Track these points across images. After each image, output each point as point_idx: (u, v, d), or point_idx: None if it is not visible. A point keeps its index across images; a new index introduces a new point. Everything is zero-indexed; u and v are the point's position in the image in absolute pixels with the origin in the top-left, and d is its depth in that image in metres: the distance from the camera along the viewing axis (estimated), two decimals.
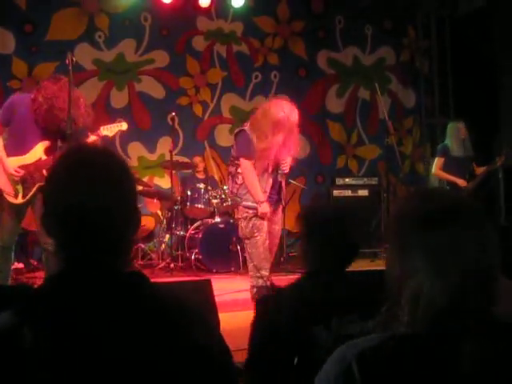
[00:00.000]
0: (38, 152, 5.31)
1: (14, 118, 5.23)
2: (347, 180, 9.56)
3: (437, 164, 7.96)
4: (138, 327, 1.36)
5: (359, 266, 8.30)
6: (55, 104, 5.11)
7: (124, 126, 5.77)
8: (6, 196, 5.27)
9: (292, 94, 8.75)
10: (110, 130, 5.57)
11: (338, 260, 2.62)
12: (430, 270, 1.36)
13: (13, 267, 5.73)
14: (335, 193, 9.36)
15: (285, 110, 5.60)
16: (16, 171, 5.23)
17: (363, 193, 9.36)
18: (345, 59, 10.48)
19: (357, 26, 10.49)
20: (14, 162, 5.26)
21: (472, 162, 7.90)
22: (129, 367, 1.33)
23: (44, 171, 5.22)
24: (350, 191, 9.35)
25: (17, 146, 5.29)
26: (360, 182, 9.58)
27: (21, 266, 7.48)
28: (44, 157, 5.31)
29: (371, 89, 10.17)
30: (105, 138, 5.46)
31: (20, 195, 5.28)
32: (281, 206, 6.08)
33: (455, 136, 7.85)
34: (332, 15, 10.35)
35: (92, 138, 5.42)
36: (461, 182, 7.71)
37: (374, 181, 9.57)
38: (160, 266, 7.97)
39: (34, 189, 5.27)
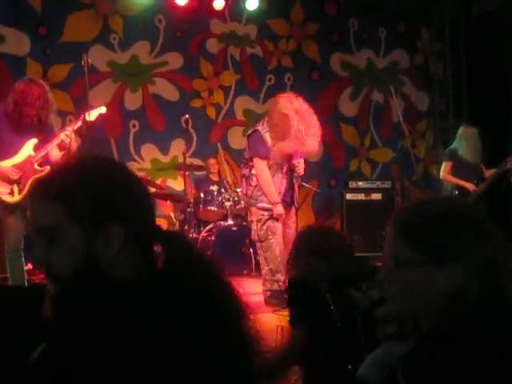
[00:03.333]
0: (27, 150, 5.53)
1: None
2: (360, 183, 9.53)
3: (445, 168, 7.87)
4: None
5: None
6: (21, 101, 5.36)
7: (103, 109, 5.93)
8: (3, 196, 5.39)
9: (305, 96, 8.74)
10: (92, 115, 5.73)
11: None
12: (463, 271, 1.36)
13: (26, 268, 5.77)
14: (348, 196, 9.33)
15: (292, 102, 5.64)
16: (12, 171, 5.39)
17: (376, 196, 9.33)
18: (358, 62, 10.45)
19: (370, 28, 10.47)
20: (7, 164, 5.48)
21: (480, 165, 7.80)
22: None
23: (35, 165, 5.43)
24: (363, 195, 9.32)
25: (7, 152, 5.51)
26: (373, 185, 9.55)
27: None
28: (33, 153, 5.53)
29: (385, 92, 10.16)
30: (88, 123, 5.57)
31: (16, 193, 5.42)
32: (294, 209, 6.06)
33: (470, 141, 7.76)
34: (346, 18, 10.33)
35: (69, 129, 5.53)
36: (470, 186, 7.61)
37: (387, 184, 9.54)
38: None
39: (29, 183, 5.43)
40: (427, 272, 1.42)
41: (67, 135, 5.46)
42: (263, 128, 5.79)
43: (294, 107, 5.67)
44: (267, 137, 5.71)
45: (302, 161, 5.94)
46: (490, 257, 1.37)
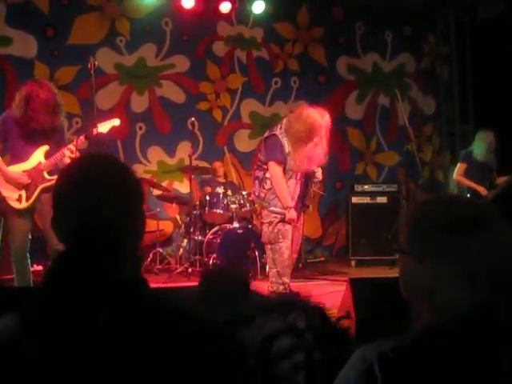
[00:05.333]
0: (37, 156, 5.51)
1: (8, 133, 5.45)
2: (366, 187, 9.52)
3: (459, 169, 7.91)
4: (137, 333, 1.36)
5: (377, 272, 8.27)
6: (28, 105, 5.31)
7: (116, 121, 5.89)
8: (10, 202, 5.38)
9: (311, 99, 8.77)
10: (104, 127, 5.72)
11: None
12: (457, 277, 1.37)
13: (32, 269, 5.78)
14: (354, 199, 9.33)
15: (320, 117, 5.67)
16: (22, 175, 5.38)
17: (382, 200, 9.32)
18: (364, 65, 10.46)
19: (377, 32, 10.48)
20: (17, 169, 5.45)
21: (493, 170, 7.84)
22: (127, 372, 1.33)
23: (45, 173, 5.42)
24: (368, 198, 9.32)
25: (17, 157, 5.50)
26: (379, 188, 9.53)
27: (40, 268, 7.53)
28: (43, 160, 5.51)
29: (391, 95, 10.16)
30: (100, 134, 5.59)
31: (24, 199, 5.41)
32: (302, 214, 6.09)
33: (485, 143, 7.81)
34: (352, 21, 10.34)
35: (81, 139, 5.52)
36: (482, 190, 7.64)
37: (393, 188, 9.52)
38: (178, 271, 7.98)
39: (37, 191, 5.44)
40: (411, 263, 1.46)
41: (71, 151, 5.44)
42: (281, 132, 5.77)
43: (324, 121, 5.72)
44: (285, 142, 5.71)
45: (319, 169, 6.00)
46: (472, 262, 1.37)
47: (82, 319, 1.34)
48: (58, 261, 1.45)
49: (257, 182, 5.93)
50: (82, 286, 1.39)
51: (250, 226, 8.22)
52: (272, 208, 5.75)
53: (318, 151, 5.67)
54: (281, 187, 5.70)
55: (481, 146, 7.86)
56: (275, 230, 5.74)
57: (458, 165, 8.00)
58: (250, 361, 2.36)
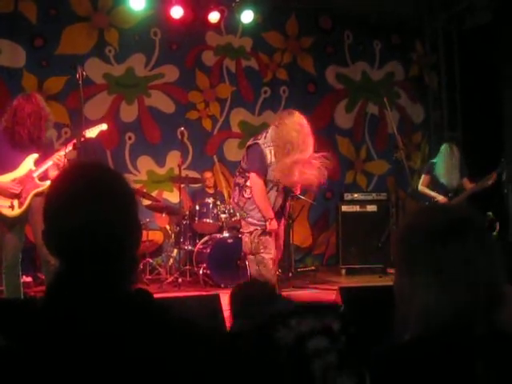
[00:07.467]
0: (27, 164, 5.50)
1: None
2: (356, 195, 9.54)
3: (423, 181, 7.90)
4: (139, 346, 1.34)
5: (368, 281, 8.27)
6: (13, 119, 5.39)
7: (104, 126, 5.88)
8: (2, 210, 5.36)
9: (301, 109, 8.74)
10: (92, 132, 5.71)
11: None
12: (438, 284, 1.37)
13: (21, 281, 5.74)
14: (344, 208, 9.34)
15: (302, 124, 5.55)
16: (13, 185, 5.38)
17: (372, 208, 9.33)
18: (353, 74, 10.50)
19: (365, 41, 10.52)
20: (7, 178, 5.44)
21: (455, 184, 7.79)
22: None
23: (36, 180, 5.42)
24: (358, 206, 9.33)
25: (6, 167, 5.49)
26: (369, 197, 9.56)
27: (29, 279, 7.49)
28: (34, 168, 5.50)
29: (380, 104, 10.19)
30: (88, 142, 5.59)
31: (16, 206, 5.40)
32: (283, 220, 6.01)
33: (446, 161, 7.72)
34: (340, 31, 10.38)
35: (69, 148, 5.51)
36: (441, 199, 7.60)
37: (382, 196, 9.55)
38: (168, 281, 7.96)
39: (29, 197, 5.43)
40: (397, 273, 1.50)
41: (59, 159, 5.44)
42: (264, 142, 5.61)
43: (305, 127, 5.58)
44: (267, 152, 5.58)
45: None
46: (449, 272, 1.38)
47: (88, 333, 1.32)
48: (58, 276, 1.42)
49: (237, 188, 5.82)
50: (85, 300, 1.37)
51: (239, 236, 8.20)
52: (249, 219, 5.64)
53: (304, 169, 5.50)
54: (261, 199, 5.58)
55: (440, 164, 7.72)
56: (256, 240, 5.64)
57: (422, 176, 7.96)
58: (281, 356, 2.48)
